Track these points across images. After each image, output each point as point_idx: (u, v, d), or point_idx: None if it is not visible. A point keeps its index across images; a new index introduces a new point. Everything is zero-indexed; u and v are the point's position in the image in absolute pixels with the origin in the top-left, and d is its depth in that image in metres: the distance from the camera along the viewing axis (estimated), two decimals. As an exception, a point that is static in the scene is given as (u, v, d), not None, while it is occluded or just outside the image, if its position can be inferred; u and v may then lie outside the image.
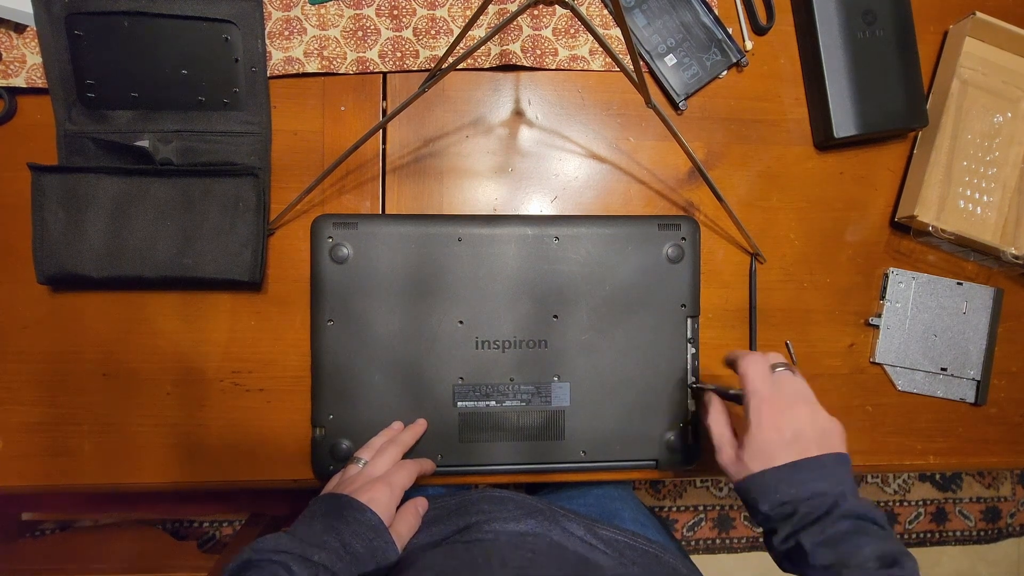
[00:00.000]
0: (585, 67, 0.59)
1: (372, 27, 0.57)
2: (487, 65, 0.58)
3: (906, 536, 1.47)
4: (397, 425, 0.54)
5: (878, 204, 0.63)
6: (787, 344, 0.61)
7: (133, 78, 0.54)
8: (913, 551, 1.45)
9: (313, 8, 0.56)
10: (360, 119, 0.58)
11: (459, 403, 0.55)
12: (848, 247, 0.62)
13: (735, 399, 0.49)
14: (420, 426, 0.54)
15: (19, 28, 0.53)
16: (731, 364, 0.49)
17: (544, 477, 0.58)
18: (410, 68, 0.57)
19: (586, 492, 0.70)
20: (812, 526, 0.41)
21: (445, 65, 0.45)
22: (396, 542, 0.44)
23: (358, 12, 0.56)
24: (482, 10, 0.38)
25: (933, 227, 0.58)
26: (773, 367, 0.47)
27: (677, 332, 0.57)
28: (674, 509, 1.41)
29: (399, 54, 0.57)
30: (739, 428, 0.47)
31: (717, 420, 0.49)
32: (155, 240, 0.53)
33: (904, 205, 0.61)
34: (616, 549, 0.48)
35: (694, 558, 0.63)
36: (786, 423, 0.43)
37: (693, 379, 0.57)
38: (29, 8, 0.52)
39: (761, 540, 1.40)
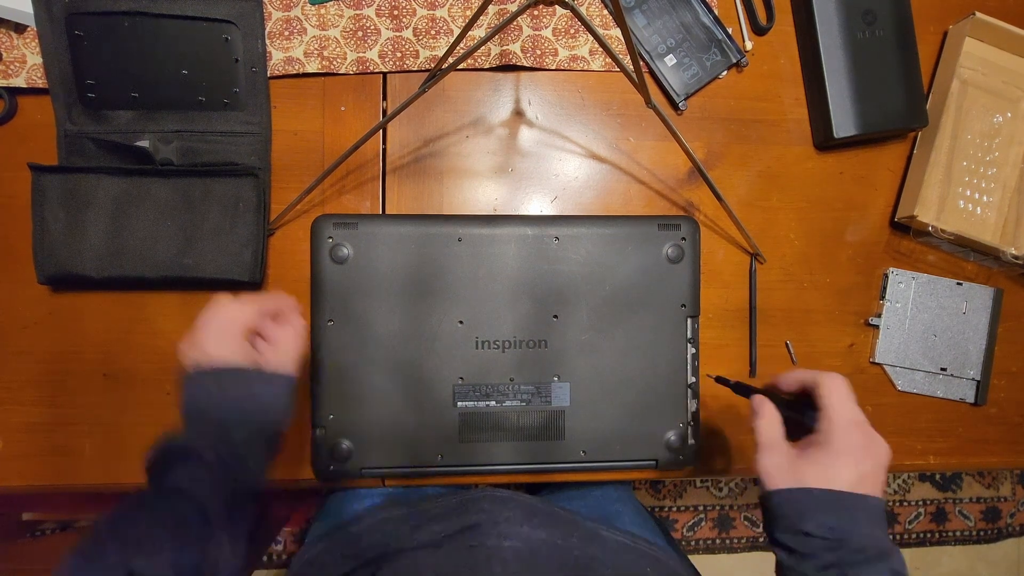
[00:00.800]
0: (585, 67, 0.59)
1: (372, 27, 0.57)
2: (487, 65, 0.58)
3: (906, 536, 1.47)
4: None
5: (878, 204, 0.63)
6: (787, 344, 0.61)
7: (133, 78, 0.54)
8: (913, 551, 1.44)
9: (313, 8, 0.56)
10: (360, 119, 0.58)
11: (459, 403, 0.55)
12: (848, 247, 0.62)
13: (793, 410, 0.44)
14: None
15: (19, 28, 0.53)
16: (791, 378, 0.45)
17: (544, 477, 0.58)
18: (410, 68, 0.57)
19: (586, 494, 0.70)
20: (864, 565, 0.38)
21: (445, 65, 0.45)
22: (273, 368, 0.43)
23: (358, 12, 0.56)
24: (482, 10, 0.38)
25: (933, 227, 0.58)
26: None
27: (677, 332, 0.57)
28: (674, 509, 1.41)
29: (399, 54, 0.57)
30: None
31: (772, 422, 0.44)
32: (155, 240, 0.53)
33: (904, 205, 0.61)
34: (617, 552, 0.48)
35: (694, 558, 0.63)
36: (867, 456, 0.40)
37: (721, 376, 0.51)
38: (29, 8, 0.52)
39: (761, 540, 1.40)
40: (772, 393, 0.47)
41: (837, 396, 0.42)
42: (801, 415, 0.44)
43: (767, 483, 0.42)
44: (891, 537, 1.44)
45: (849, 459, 0.40)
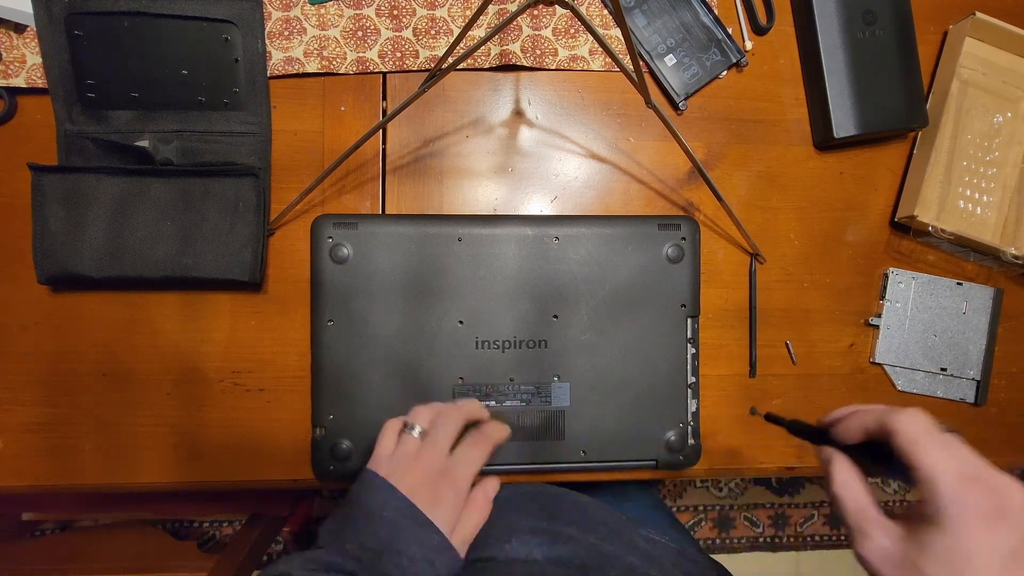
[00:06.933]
0: (585, 67, 0.59)
1: (372, 27, 0.57)
2: (487, 65, 0.58)
3: (906, 536, 1.47)
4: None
5: (878, 204, 0.63)
6: (787, 344, 0.61)
7: (133, 78, 0.54)
8: (913, 551, 1.41)
9: (313, 8, 0.56)
10: (360, 119, 0.58)
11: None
12: (848, 247, 0.62)
13: (877, 462, 0.34)
14: (479, 404, 0.48)
15: (19, 28, 0.53)
16: (857, 419, 0.34)
17: (544, 477, 0.58)
18: (410, 68, 0.57)
19: (619, 505, 0.68)
20: None
21: (445, 65, 0.45)
22: (459, 550, 0.40)
23: (358, 12, 0.56)
24: (482, 10, 0.38)
25: (933, 227, 0.58)
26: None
27: (677, 332, 0.57)
28: (674, 509, 1.41)
29: (399, 54, 0.57)
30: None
31: (851, 486, 0.33)
32: (155, 240, 0.53)
33: (904, 205, 0.61)
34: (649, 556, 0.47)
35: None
36: (1004, 522, 0.28)
37: (772, 413, 0.43)
38: (29, 8, 0.52)
39: (760, 540, 1.40)
40: (838, 440, 0.36)
41: (922, 444, 0.30)
42: (891, 474, 0.33)
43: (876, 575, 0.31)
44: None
45: (978, 538, 0.28)
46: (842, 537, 1.46)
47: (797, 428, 0.40)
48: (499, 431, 0.46)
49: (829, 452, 0.35)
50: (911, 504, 0.31)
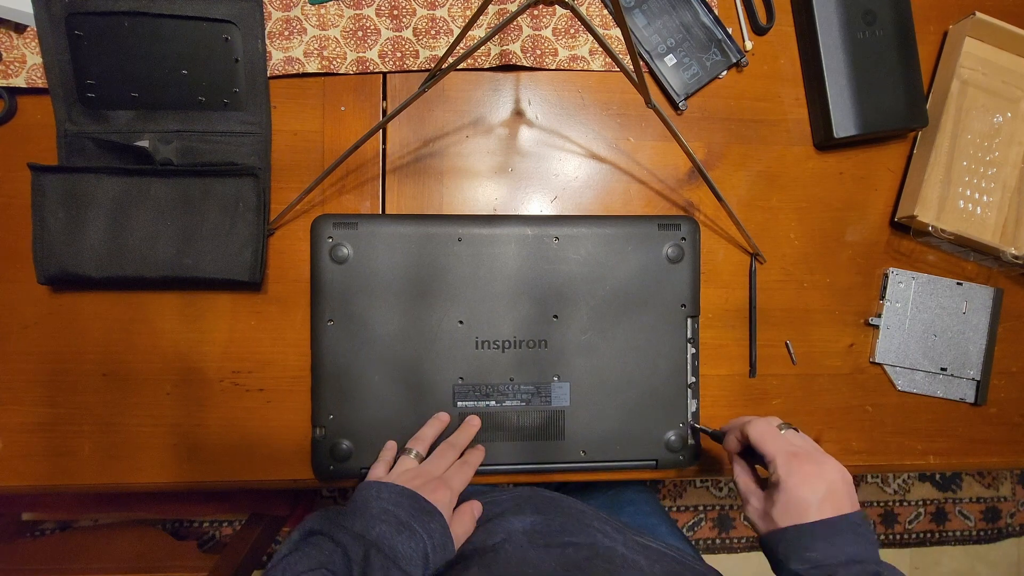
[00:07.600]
0: (585, 67, 0.59)
1: (372, 27, 0.57)
2: (487, 65, 0.58)
3: (906, 536, 1.47)
4: (444, 416, 0.55)
5: (878, 204, 0.63)
6: (787, 344, 0.61)
7: (133, 78, 0.54)
8: (913, 551, 1.43)
9: (313, 8, 0.56)
10: (360, 119, 0.58)
11: (459, 403, 0.55)
12: (848, 247, 0.62)
13: (755, 459, 0.48)
14: (473, 427, 0.55)
15: (19, 28, 0.53)
16: (733, 432, 0.49)
17: (544, 477, 0.58)
18: (410, 68, 0.57)
19: (619, 509, 0.69)
20: None
21: (445, 65, 0.45)
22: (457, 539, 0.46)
23: (358, 12, 0.56)
24: (482, 10, 0.38)
25: (933, 227, 0.58)
26: (778, 428, 0.46)
27: (677, 332, 0.57)
28: (674, 509, 1.41)
29: (399, 54, 0.57)
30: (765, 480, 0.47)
31: (740, 473, 0.48)
32: (155, 240, 0.53)
33: (904, 205, 0.61)
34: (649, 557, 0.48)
35: (694, 558, 0.64)
36: (818, 478, 0.41)
37: (700, 426, 0.56)
38: (29, 8, 0.52)
39: (761, 540, 1.40)
40: (716, 434, 0.52)
41: (763, 439, 0.44)
42: (758, 463, 0.47)
43: (755, 530, 0.45)
44: (891, 537, 1.44)
45: (801, 491, 0.41)
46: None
47: (715, 436, 0.52)
48: (478, 457, 0.54)
49: (730, 454, 0.50)
50: (769, 479, 0.44)
